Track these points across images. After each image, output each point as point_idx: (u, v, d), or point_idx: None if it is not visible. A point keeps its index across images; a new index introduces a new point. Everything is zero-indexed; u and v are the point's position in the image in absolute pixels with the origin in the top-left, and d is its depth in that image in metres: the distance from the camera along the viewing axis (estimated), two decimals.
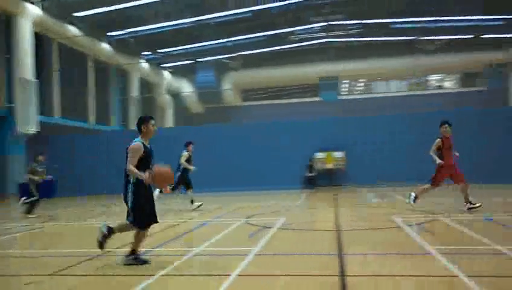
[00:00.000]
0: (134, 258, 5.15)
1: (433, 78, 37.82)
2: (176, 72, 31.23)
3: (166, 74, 30.20)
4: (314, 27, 26.79)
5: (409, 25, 26.75)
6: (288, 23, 25.56)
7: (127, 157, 5.13)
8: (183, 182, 11.44)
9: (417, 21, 26.07)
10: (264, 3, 22.34)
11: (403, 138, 18.36)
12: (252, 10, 22.61)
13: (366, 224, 8.05)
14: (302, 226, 8.31)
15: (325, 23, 25.74)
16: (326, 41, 28.58)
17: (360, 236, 6.81)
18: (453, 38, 27.91)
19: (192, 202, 11.51)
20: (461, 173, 8.89)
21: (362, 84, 39.04)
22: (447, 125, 8.99)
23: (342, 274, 4.44)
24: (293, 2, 22.71)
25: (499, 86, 30.74)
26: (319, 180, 18.70)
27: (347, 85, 38.37)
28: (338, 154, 18.92)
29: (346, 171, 18.68)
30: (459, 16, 25.29)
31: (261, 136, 19.43)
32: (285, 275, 4.57)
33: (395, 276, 4.37)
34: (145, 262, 5.12)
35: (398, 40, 28.30)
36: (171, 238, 7.14)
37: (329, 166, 18.98)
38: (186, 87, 31.45)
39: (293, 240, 6.71)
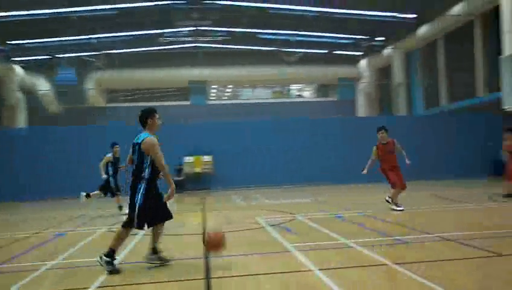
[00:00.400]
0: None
1: (295, 88, 40.82)
2: (30, 67, 28.14)
3: (18, 68, 27.02)
4: (183, 31, 26.76)
5: (273, 37, 28.47)
6: (157, 25, 25.09)
7: (136, 153, 4.94)
8: (107, 187, 10.89)
9: (280, 33, 27.89)
10: (132, 2, 21.58)
11: (269, 142, 19.42)
12: (117, 8, 21.61)
13: (232, 226, 8.28)
14: (168, 231, 8.18)
15: (194, 28, 25.92)
16: (195, 46, 28.78)
17: (227, 238, 6.98)
18: (311, 52, 30.52)
19: (121, 208, 10.86)
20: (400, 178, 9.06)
21: (230, 89, 40.24)
22: (383, 130, 9.12)
23: (208, 277, 4.51)
24: (161, 3, 22.36)
25: (350, 97, 34.45)
26: (187, 184, 18.68)
27: (215, 90, 39.16)
28: (206, 158, 19.15)
29: (215, 175, 19.01)
30: (316, 32, 27.79)
31: (128, 140, 18.66)
32: (150, 282, 4.46)
33: (258, 275, 4.58)
34: (167, 261, 5.03)
35: (263, 49, 29.92)
36: (24, 251, 6.41)
37: (198, 170, 19.09)
38: (42, 85, 28.56)
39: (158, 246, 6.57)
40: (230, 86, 39.46)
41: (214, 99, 37.46)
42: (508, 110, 20.01)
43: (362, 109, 33.67)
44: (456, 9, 23.34)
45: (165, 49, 28.50)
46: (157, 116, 5.13)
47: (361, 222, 7.93)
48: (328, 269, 4.60)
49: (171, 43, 28.11)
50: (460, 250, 5.29)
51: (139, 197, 4.85)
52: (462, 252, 5.15)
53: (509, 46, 19.92)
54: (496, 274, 4.25)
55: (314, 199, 12.97)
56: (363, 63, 33.68)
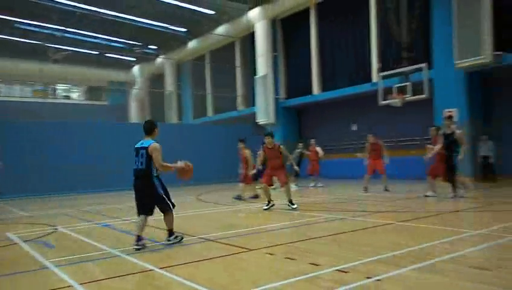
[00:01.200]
0: (176, 237, 6.23)
1: (61, 88, 37.50)
2: None
3: None
4: None
5: (36, 29, 25.51)
6: None
7: (144, 157, 5.90)
8: None
9: (45, 26, 25.21)
10: None
11: (25, 147, 17.19)
12: None
13: None
14: None
15: None
16: None
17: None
18: (80, 51, 28.61)
19: None
20: (284, 178, 9.68)
21: None
22: (269, 136, 9.72)
23: None
24: None
25: (122, 102, 33.71)
26: None
27: None
28: None
29: None
30: (86, 31, 26.23)
31: None
32: None
33: None
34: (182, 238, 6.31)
35: (24, 42, 26.45)
36: None
37: None
38: None
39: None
40: None
41: None
42: (260, 123, 23.24)
43: (134, 114, 33.49)
44: (221, 29, 25.80)
45: None
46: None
47: (129, 229, 7.84)
48: (91, 282, 4.37)
49: None
50: (218, 248, 5.82)
51: (159, 189, 6.03)
52: (220, 250, 5.67)
53: (261, 68, 23.21)
54: (244, 266, 4.85)
55: (79, 208, 12.14)
56: (135, 69, 33.61)
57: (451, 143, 10.33)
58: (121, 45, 29.16)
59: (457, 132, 10.44)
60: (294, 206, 9.52)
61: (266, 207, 9.79)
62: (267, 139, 9.74)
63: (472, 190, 11.16)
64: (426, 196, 10.99)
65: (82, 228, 8.30)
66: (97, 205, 13.09)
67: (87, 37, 27.10)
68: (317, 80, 21.66)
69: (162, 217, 6.21)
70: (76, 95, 38.40)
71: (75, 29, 25.47)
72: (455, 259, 4.66)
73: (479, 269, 4.22)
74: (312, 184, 16.18)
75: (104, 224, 8.63)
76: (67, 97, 37.63)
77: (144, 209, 6.04)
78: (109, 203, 13.64)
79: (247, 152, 12.49)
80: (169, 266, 4.83)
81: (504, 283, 3.79)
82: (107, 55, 30.09)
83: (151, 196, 6.02)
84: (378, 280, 3.98)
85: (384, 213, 8.72)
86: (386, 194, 12.34)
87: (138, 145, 6.10)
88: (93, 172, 18.15)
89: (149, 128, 6.20)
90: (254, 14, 23.12)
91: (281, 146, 9.88)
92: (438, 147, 10.43)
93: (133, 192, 6.10)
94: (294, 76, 23.34)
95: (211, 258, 5.22)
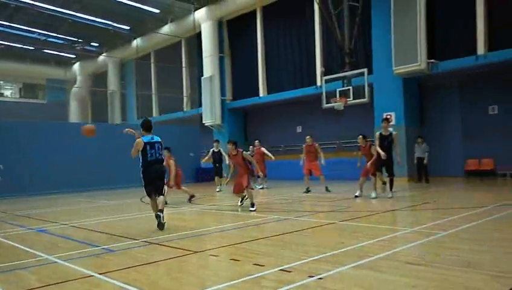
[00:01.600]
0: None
1: None
2: None
3: None
4: None
5: None
6: None
7: (160, 149, 7.48)
8: None
9: None
10: None
11: None
12: None
13: None
14: None
15: None
16: None
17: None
18: (14, 46, 26.98)
19: None
20: (246, 182, 9.86)
21: None
22: (231, 143, 10.02)
23: None
24: None
25: (62, 101, 32.17)
26: None
27: None
28: None
29: None
30: (21, 24, 24.79)
31: None
32: None
33: None
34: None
35: None
36: None
37: None
38: None
39: None
40: None
41: None
42: (206, 124, 23.10)
43: (75, 114, 32.17)
44: (166, 28, 25.39)
45: None
46: None
47: (67, 233, 7.49)
48: None
49: None
50: (162, 252, 5.71)
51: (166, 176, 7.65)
52: (164, 254, 5.56)
53: (208, 69, 23.10)
54: (189, 269, 4.80)
55: (11, 213, 11.44)
56: (76, 66, 32.29)
57: (389, 144, 10.87)
58: (61, 41, 27.84)
59: (394, 133, 11.01)
60: (254, 208, 9.61)
61: (240, 203, 10.33)
62: (229, 146, 10.00)
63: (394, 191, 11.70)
64: (356, 196, 11.41)
65: (14, 233, 7.83)
66: (31, 209, 12.38)
67: (22, 31, 25.61)
68: (263, 82, 21.88)
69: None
70: (9, 93, 36.17)
71: (9, 22, 23.99)
72: (392, 256, 4.89)
73: (414, 265, 4.45)
74: (260, 186, 16.31)
75: (39, 229, 8.18)
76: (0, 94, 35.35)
77: (160, 190, 7.50)
78: (43, 206, 12.96)
79: (171, 162, 12.30)
80: (111, 271, 4.66)
81: (437, 277, 4.01)
82: (45, 51, 28.61)
83: (163, 181, 7.57)
84: (320, 278, 4.07)
85: (327, 213, 8.97)
86: (327, 194, 12.69)
87: (150, 140, 7.34)
88: (34, 173, 17.16)
89: (151, 125, 7.52)
90: (200, 14, 22.95)
91: (244, 152, 10.12)
92: (378, 149, 10.85)
93: (153, 178, 7.34)
94: (240, 78, 23.42)
95: (154, 262, 5.10)
